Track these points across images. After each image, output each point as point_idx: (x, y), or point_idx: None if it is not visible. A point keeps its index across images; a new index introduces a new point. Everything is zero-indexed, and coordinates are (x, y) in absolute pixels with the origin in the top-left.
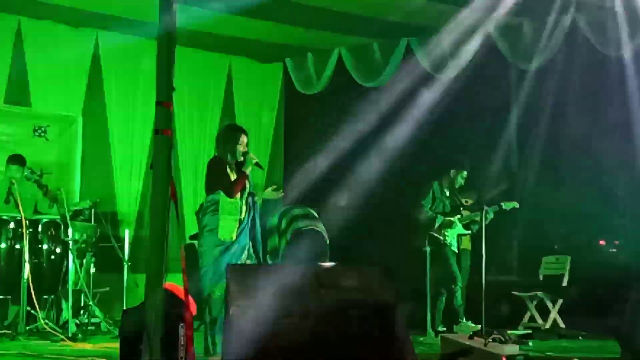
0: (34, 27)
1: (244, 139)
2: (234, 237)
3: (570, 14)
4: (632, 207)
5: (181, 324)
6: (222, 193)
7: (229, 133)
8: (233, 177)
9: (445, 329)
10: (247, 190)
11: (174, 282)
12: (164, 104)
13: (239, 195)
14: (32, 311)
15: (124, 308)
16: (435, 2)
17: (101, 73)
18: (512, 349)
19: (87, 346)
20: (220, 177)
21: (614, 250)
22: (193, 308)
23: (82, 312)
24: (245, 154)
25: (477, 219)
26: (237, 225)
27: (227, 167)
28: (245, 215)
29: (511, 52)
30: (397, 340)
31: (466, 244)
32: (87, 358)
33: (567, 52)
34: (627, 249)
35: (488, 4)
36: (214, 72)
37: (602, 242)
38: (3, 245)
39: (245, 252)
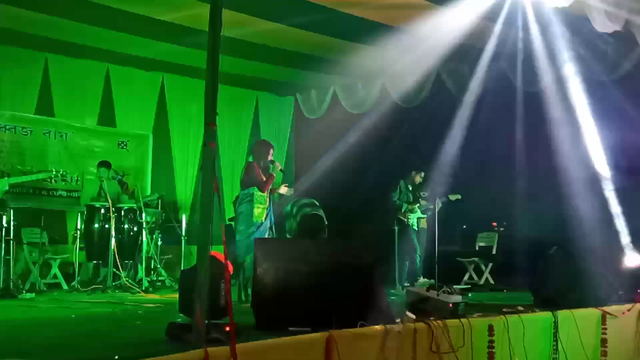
0: (118, 72)
1: (271, 150)
2: (263, 220)
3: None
4: (537, 197)
5: (222, 280)
6: (256, 188)
7: (262, 146)
8: (263, 178)
9: (408, 284)
10: None
11: (217, 251)
12: (210, 124)
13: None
14: (117, 272)
15: (182, 269)
16: (399, 53)
17: (166, 104)
18: (457, 298)
19: (155, 296)
20: (254, 177)
21: (502, 229)
22: (230, 269)
23: (152, 272)
24: (271, 161)
25: (431, 207)
26: (265, 212)
27: (260, 170)
28: (269, 204)
29: (454, 87)
30: (375, 291)
31: (423, 224)
32: (156, 304)
33: (494, 88)
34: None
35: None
36: (246, 103)
37: (494, 224)
38: (96, 225)
39: (268, 230)
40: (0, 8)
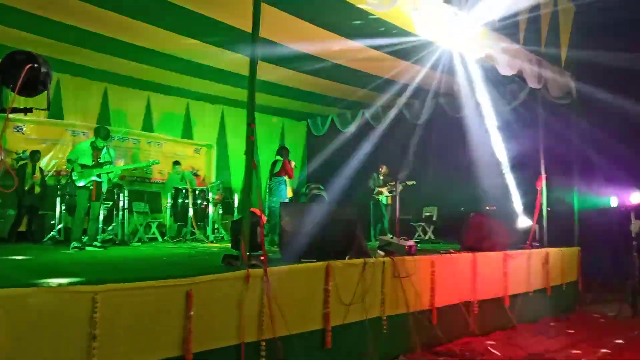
0: (194, 104)
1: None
2: (290, 195)
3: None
4: (461, 181)
5: (258, 226)
6: (286, 177)
7: (285, 149)
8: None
9: (380, 236)
10: None
11: (255, 208)
12: (250, 124)
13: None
14: (193, 230)
15: (232, 219)
16: (374, 92)
17: (225, 125)
18: (410, 243)
19: (217, 245)
20: (284, 169)
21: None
22: (264, 220)
23: (215, 231)
24: (289, 161)
25: (395, 189)
26: (291, 191)
27: (287, 165)
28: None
29: (409, 115)
30: (358, 238)
31: (389, 201)
32: (219, 249)
33: (436, 114)
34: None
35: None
36: (276, 126)
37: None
38: (180, 201)
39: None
40: (129, 65)
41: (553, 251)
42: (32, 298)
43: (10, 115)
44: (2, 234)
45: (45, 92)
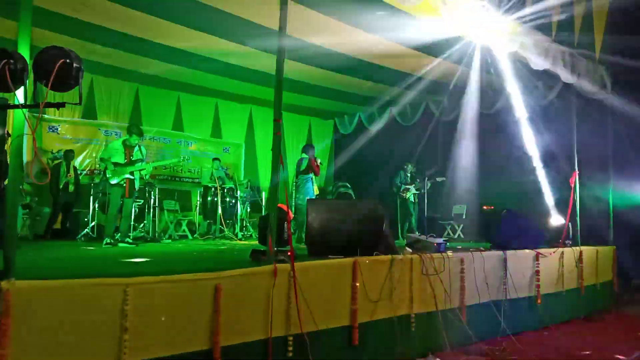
0: (223, 104)
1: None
2: (317, 192)
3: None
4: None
5: (285, 222)
6: (312, 174)
7: (311, 147)
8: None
9: (408, 234)
10: None
11: (283, 204)
12: (277, 120)
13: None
14: (222, 227)
15: (260, 215)
16: (402, 89)
17: (253, 124)
18: (439, 240)
19: (245, 242)
20: (310, 167)
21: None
22: (290, 216)
23: (243, 228)
24: (316, 158)
25: (422, 186)
26: (317, 189)
27: (313, 162)
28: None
29: (438, 112)
30: (385, 235)
31: (417, 199)
32: (247, 246)
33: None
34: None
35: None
36: (303, 124)
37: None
38: (209, 199)
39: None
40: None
41: (587, 250)
42: (66, 290)
43: (46, 116)
44: (39, 231)
45: (77, 87)
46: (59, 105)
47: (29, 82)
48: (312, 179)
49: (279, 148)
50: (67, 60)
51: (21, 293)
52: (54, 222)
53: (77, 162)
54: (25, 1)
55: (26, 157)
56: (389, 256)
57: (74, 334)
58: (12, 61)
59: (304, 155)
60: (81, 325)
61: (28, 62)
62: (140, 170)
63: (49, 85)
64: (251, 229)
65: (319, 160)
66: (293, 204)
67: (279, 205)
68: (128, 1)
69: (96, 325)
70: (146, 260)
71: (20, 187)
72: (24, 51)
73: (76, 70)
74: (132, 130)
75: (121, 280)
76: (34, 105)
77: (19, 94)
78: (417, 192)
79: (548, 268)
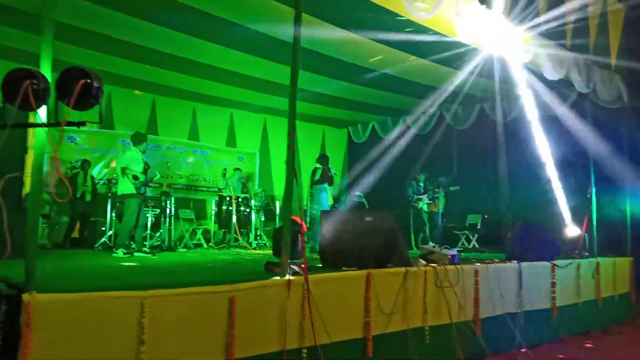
0: (238, 114)
1: (328, 159)
2: (332, 202)
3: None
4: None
5: (299, 234)
6: (327, 184)
7: (325, 157)
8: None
9: (421, 245)
10: None
11: (296, 216)
12: (291, 134)
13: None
14: (236, 236)
15: (274, 227)
16: (416, 99)
17: (267, 134)
18: (453, 252)
19: (260, 252)
20: (325, 177)
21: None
22: (304, 228)
23: (258, 237)
24: (329, 169)
25: (436, 196)
26: (332, 199)
27: (327, 172)
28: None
29: (452, 121)
30: (399, 247)
31: (431, 208)
32: (261, 256)
33: (479, 120)
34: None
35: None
36: (317, 133)
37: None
38: (224, 208)
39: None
40: (176, 77)
41: (604, 261)
42: (84, 303)
43: (66, 127)
44: (58, 240)
45: (98, 106)
46: (80, 124)
47: (51, 101)
48: (326, 188)
49: (292, 161)
50: (88, 80)
51: (42, 306)
52: (72, 231)
53: (94, 171)
54: (47, 22)
55: (46, 167)
56: (403, 268)
57: (93, 345)
58: (35, 81)
59: (317, 165)
60: (99, 337)
61: (50, 81)
62: (152, 178)
63: (71, 104)
64: (265, 238)
65: (333, 171)
66: (308, 214)
67: (293, 217)
68: (145, 15)
69: (114, 337)
70: (162, 270)
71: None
72: (46, 71)
73: (96, 89)
74: (143, 139)
75: (138, 293)
76: (56, 124)
77: (41, 113)
78: (430, 201)
79: (564, 280)
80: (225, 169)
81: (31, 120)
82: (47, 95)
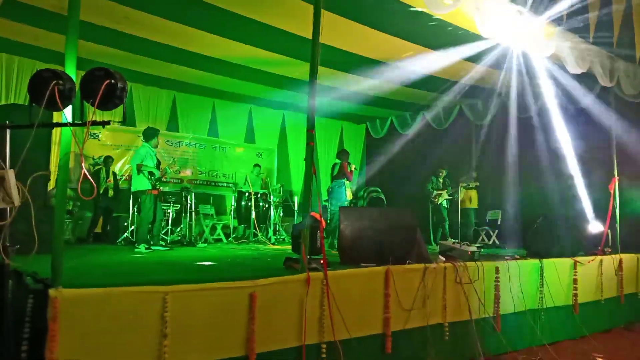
0: (256, 110)
1: (348, 154)
2: (349, 197)
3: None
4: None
5: (318, 231)
6: (345, 179)
7: (345, 152)
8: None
9: (440, 241)
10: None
11: (315, 212)
12: (310, 131)
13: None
14: (255, 232)
15: (294, 223)
16: (435, 93)
17: (286, 130)
18: (473, 248)
19: (279, 247)
20: (344, 172)
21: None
22: (323, 224)
23: (276, 232)
24: (349, 163)
25: (456, 192)
26: (351, 194)
27: (346, 168)
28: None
29: (472, 116)
30: (418, 244)
31: (449, 204)
32: (279, 251)
33: (500, 115)
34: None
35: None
36: (335, 128)
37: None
38: (243, 203)
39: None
40: (196, 74)
41: (627, 257)
42: (109, 297)
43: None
44: (82, 235)
45: (122, 106)
46: (104, 124)
47: (76, 100)
48: (344, 184)
49: (311, 158)
50: (112, 81)
51: (68, 301)
52: (95, 226)
53: (117, 167)
54: (72, 24)
55: (70, 163)
56: (422, 265)
57: (117, 338)
58: (61, 82)
59: (337, 160)
60: (123, 331)
61: (74, 80)
62: (166, 174)
63: (96, 104)
64: (284, 233)
65: (353, 166)
66: (328, 209)
67: (312, 214)
68: (166, 14)
69: (138, 331)
70: (183, 266)
71: None
72: (71, 71)
73: (120, 90)
74: (154, 133)
75: (161, 288)
76: (81, 123)
77: (67, 112)
78: (450, 197)
79: (586, 276)
80: (247, 177)
81: (56, 119)
82: (72, 95)
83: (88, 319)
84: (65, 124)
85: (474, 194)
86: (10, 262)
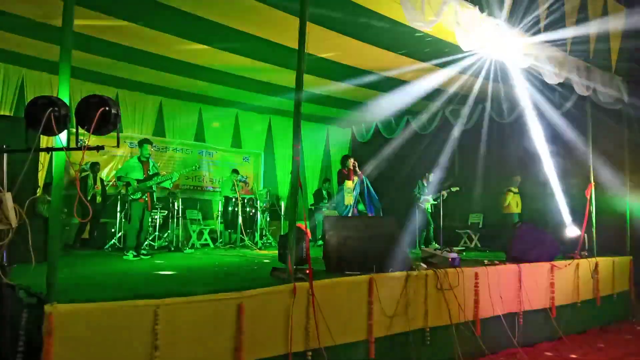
0: (243, 115)
1: (351, 160)
2: (349, 203)
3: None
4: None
5: (304, 241)
6: (344, 185)
7: (344, 158)
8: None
9: (423, 246)
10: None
11: (301, 223)
12: (295, 145)
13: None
14: (242, 237)
15: (280, 234)
16: (419, 99)
17: (272, 134)
18: (453, 255)
19: (265, 252)
20: (343, 178)
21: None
22: (309, 235)
23: (263, 237)
24: (354, 165)
25: (440, 196)
26: (351, 199)
27: (346, 173)
28: (354, 193)
29: (455, 121)
30: (401, 251)
31: (433, 208)
32: (265, 257)
33: (481, 121)
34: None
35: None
36: (321, 131)
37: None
38: (230, 208)
39: (350, 209)
40: (183, 80)
41: (603, 261)
42: (102, 312)
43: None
44: (69, 241)
45: (115, 131)
46: (99, 149)
47: (71, 126)
48: (343, 189)
49: (297, 172)
50: (107, 108)
51: (62, 315)
52: (82, 232)
53: (103, 173)
54: (65, 51)
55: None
56: (405, 272)
57: (110, 352)
58: (56, 108)
59: (339, 166)
60: (116, 344)
61: (69, 107)
62: (159, 182)
63: (91, 131)
64: (270, 237)
65: (351, 161)
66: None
67: (298, 224)
68: (153, 24)
69: (130, 344)
70: (173, 274)
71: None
72: (64, 96)
73: (114, 116)
74: (144, 141)
75: (152, 301)
76: (77, 148)
77: (62, 137)
78: (435, 201)
79: (563, 280)
80: (235, 183)
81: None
82: (67, 120)
83: (82, 333)
84: (61, 149)
85: (518, 199)
86: (8, 281)
